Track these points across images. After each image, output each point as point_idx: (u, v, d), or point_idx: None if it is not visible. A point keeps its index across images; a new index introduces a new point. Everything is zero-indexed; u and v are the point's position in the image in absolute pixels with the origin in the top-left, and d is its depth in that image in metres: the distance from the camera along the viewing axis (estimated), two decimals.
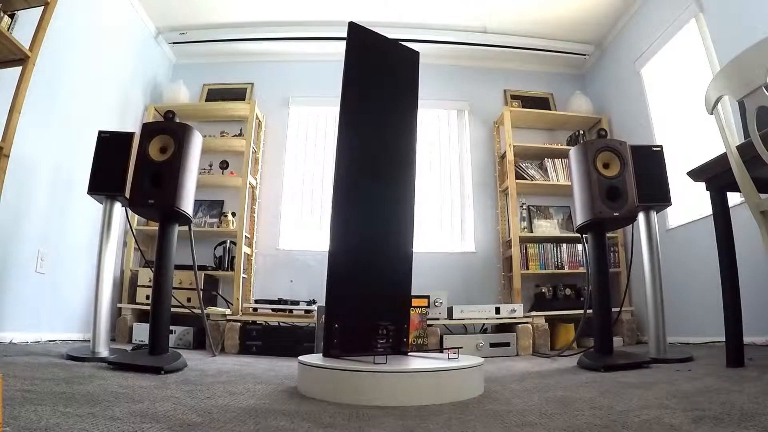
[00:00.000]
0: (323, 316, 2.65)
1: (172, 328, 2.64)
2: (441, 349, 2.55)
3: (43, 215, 2.49)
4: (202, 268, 3.17)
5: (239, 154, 3.62)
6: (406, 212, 1.81)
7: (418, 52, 1.99)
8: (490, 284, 3.66)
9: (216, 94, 3.94)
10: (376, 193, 1.78)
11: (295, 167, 3.90)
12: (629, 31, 3.59)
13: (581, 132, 3.85)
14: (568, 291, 3.31)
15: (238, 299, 3.21)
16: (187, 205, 1.97)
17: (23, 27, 2.03)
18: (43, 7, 2.06)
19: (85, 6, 2.82)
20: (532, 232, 3.60)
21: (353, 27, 1.84)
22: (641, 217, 2.27)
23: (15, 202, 2.21)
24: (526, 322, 2.88)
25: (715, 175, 1.76)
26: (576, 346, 2.80)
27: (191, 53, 3.99)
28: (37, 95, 2.21)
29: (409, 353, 1.72)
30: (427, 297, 2.81)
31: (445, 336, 2.76)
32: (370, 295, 1.70)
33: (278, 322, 2.94)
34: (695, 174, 1.85)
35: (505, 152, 3.68)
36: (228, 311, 3.06)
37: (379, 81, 1.88)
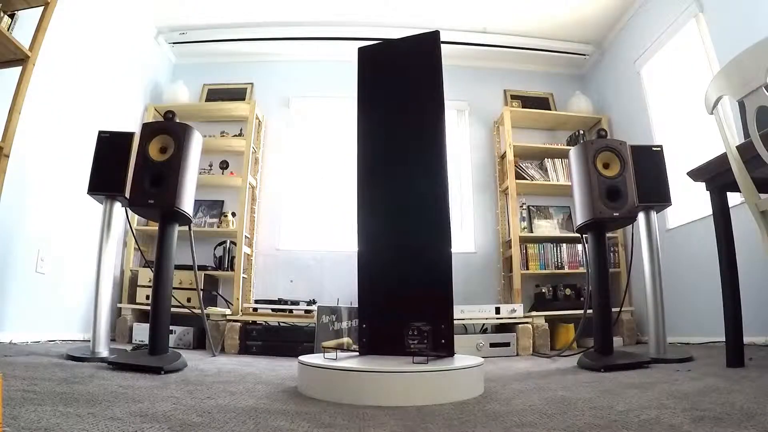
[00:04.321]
0: (323, 315, 2.67)
1: (172, 328, 2.64)
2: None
3: (43, 215, 2.49)
4: (202, 268, 3.17)
5: (239, 154, 3.62)
6: (439, 210, 1.72)
7: (437, 32, 1.88)
8: (490, 284, 3.66)
9: (216, 94, 3.94)
10: (402, 194, 1.78)
11: (295, 167, 3.90)
12: (629, 31, 3.59)
13: (581, 132, 3.85)
14: (568, 291, 3.31)
15: (238, 299, 3.21)
16: (187, 205, 1.97)
17: (23, 27, 2.03)
18: (43, 7, 2.06)
19: (85, 6, 2.82)
20: (532, 232, 3.60)
21: (361, 51, 1.99)
22: (641, 217, 2.27)
23: (15, 202, 2.21)
24: (526, 322, 2.88)
25: (715, 175, 1.76)
26: (576, 346, 2.80)
27: (191, 53, 3.99)
28: (37, 95, 2.20)
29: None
30: None
31: None
32: (400, 295, 1.71)
33: (278, 322, 2.94)
34: (695, 174, 1.85)
35: (505, 152, 3.68)
36: (228, 311, 3.07)
37: (394, 85, 1.90)
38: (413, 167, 1.78)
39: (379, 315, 1.73)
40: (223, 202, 3.68)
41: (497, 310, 2.91)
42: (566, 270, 3.45)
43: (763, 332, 2.13)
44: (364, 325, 1.74)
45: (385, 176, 1.84)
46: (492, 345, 2.77)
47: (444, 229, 1.69)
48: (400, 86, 1.89)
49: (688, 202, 2.74)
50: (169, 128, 1.99)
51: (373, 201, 1.83)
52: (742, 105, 1.53)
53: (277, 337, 2.83)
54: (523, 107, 3.95)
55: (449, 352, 1.57)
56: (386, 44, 2.01)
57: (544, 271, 3.46)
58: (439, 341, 1.58)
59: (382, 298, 1.75)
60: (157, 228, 1.99)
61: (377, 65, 1.97)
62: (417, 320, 1.61)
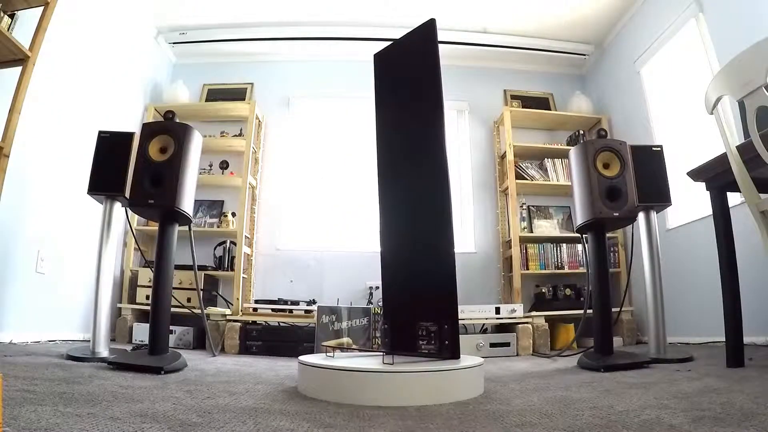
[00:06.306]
0: (323, 315, 2.67)
1: (172, 328, 2.64)
2: None
3: (43, 215, 2.49)
4: (202, 268, 3.16)
5: (239, 154, 3.62)
6: (443, 210, 1.69)
7: (433, 20, 1.87)
8: (490, 284, 3.66)
9: (216, 94, 3.94)
10: (408, 194, 1.81)
11: (295, 167, 3.89)
12: (629, 31, 3.59)
13: (581, 132, 3.85)
14: (568, 291, 3.31)
15: (238, 299, 3.21)
16: (187, 205, 1.97)
17: (23, 27, 2.03)
18: (43, 7, 2.06)
19: (85, 6, 2.82)
20: (532, 232, 3.60)
21: (376, 56, 2.05)
22: (641, 217, 2.27)
23: (15, 202, 2.21)
24: (526, 322, 2.88)
25: (715, 175, 1.76)
26: (576, 346, 2.80)
27: (191, 53, 3.99)
28: (37, 95, 2.20)
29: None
30: None
31: None
32: (413, 295, 1.74)
33: (278, 322, 2.94)
34: (695, 174, 1.85)
35: (505, 152, 3.67)
36: (228, 311, 3.07)
37: (399, 85, 1.93)
38: (417, 167, 1.79)
39: (397, 315, 1.78)
40: (223, 202, 3.68)
41: (497, 310, 2.91)
42: (566, 270, 3.45)
43: (763, 332, 2.13)
44: (386, 326, 1.79)
45: (395, 177, 1.87)
46: (492, 345, 2.77)
47: (445, 228, 1.67)
48: (404, 85, 1.91)
49: (688, 202, 2.74)
50: (169, 128, 1.99)
51: (388, 202, 1.87)
52: (742, 105, 1.53)
53: (277, 337, 2.83)
54: (523, 107, 3.94)
55: (454, 354, 1.54)
56: (394, 45, 2.02)
57: (544, 271, 3.46)
58: (443, 342, 1.59)
59: (398, 299, 1.79)
60: (157, 228, 1.99)
61: (386, 67, 2.01)
62: (426, 321, 1.63)
